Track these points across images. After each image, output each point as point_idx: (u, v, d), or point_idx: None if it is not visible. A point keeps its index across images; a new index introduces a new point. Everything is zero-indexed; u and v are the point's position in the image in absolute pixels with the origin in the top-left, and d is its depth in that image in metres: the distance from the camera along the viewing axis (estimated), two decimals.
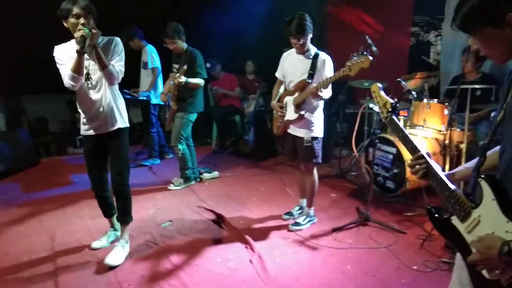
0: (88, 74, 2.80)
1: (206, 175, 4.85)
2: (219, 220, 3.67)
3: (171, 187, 4.52)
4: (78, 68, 2.64)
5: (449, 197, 1.36)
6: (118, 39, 2.86)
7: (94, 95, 2.84)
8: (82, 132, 2.97)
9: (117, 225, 3.18)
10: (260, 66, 6.60)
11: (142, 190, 4.45)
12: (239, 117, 6.50)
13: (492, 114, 3.54)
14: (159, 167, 5.37)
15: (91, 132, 2.91)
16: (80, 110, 2.93)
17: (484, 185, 1.25)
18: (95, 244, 3.15)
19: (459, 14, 1.20)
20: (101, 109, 2.85)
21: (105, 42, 2.81)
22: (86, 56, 2.71)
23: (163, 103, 4.89)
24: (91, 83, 2.80)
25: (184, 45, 4.36)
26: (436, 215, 1.45)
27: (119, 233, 3.16)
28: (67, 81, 2.68)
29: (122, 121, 2.96)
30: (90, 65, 2.77)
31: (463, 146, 3.56)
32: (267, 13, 6.27)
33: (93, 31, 2.61)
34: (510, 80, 1.31)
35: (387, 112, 1.60)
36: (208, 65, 5.90)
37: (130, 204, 3.09)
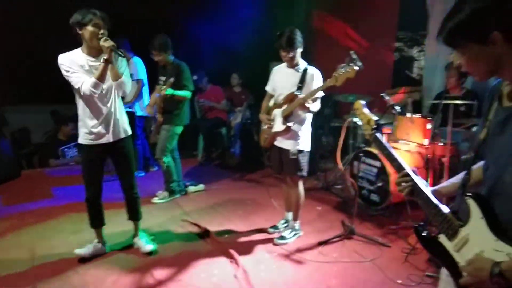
0: None
1: (191, 188, 4.81)
2: (204, 233, 3.63)
3: (156, 200, 4.47)
4: (103, 76, 2.78)
5: (436, 215, 1.35)
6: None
7: (104, 103, 2.94)
8: (86, 141, 2.98)
9: (102, 238, 3.23)
10: (246, 79, 6.64)
11: None
12: (226, 130, 6.50)
13: (474, 129, 3.62)
14: (143, 179, 5.30)
15: (98, 141, 2.96)
16: (84, 120, 2.95)
17: (471, 203, 1.24)
18: (78, 251, 3.11)
19: (445, 28, 1.19)
20: (112, 117, 2.97)
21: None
22: (96, 64, 2.83)
23: (148, 115, 4.86)
24: (102, 91, 2.88)
25: (171, 58, 4.36)
26: (424, 233, 1.43)
27: (102, 246, 3.22)
28: (88, 88, 2.76)
29: (129, 129, 3.14)
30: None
31: (445, 160, 3.61)
32: (254, 27, 6.34)
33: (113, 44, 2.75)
34: (490, 97, 1.32)
35: (371, 129, 1.59)
36: (195, 77, 5.91)
37: (140, 203, 3.32)
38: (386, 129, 3.88)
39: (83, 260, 3.08)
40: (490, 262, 1.14)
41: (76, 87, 2.80)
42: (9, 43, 5.63)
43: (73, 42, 2.84)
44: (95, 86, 2.77)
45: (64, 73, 2.80)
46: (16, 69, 5.65)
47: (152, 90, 4.71)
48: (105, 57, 2.73)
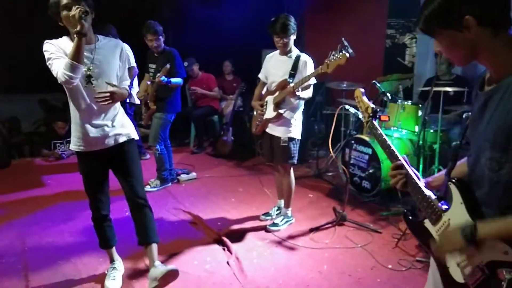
0: (89, 76, 2.35)
1: (183, 176, 4.80)
2: (196, 222, 3.64)
3: (147, 188, 4.44)
4: (78, 55, 2.17)
5: (422, 201, 1.38)
6: (127, 46, 2.46)
7: (95, 105, 2.40)
8: (79, 148, 2.48)
9: (117, 256, 2.81)
10: (238, 67, 6.59)
11: (117, 191, 4.32)
12: (218, 118, 6.47)
13: (464, 116, 3.64)
14: None
15: (93, 148, 2.47)
16: (75, 122, 2.45)
17: (453, 188, 1.27)
18: (112, 285, 2.62)
19: (421, 16, 1.21)
20: (108, 122, 2.46)
21: (110, 44, 2.45)
22: (89, 54, 2.33)
23: (139, 104, 4.80)
24: (93, 87, 2.36)
25: (163, 44, 4.32)
26: (410, 217, 1.48)
27: (119, 265, 2.80)
28: (63, 72, 2.19)
29: (132, 131, 2.61)
30: (94, 64, 2.36)
31: (436, 146, 3.64)
32: (245, 14, 6.27)
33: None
34: (477, 85, 1.34)
35: (368, 116, 1.62)
36: (185, 63, 5.85)
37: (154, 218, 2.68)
38: (384, 117, 3.91)
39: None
40: (461, 226, 1.20)
41: (54, 74, 2.26)
42: None
43: (63, 28, 2.47)
44: (71, 68, 2.17)
45: (47, 61, 2.30)
46: (3, 57, 5.56)
47: (141, 78, 4.66)
48: (76, 29, 2.14)
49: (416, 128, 3.98)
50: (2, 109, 6.25)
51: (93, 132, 2.44)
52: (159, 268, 2.57)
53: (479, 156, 1.23)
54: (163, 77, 4.06)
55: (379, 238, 3.32)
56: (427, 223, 1.38)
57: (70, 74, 2.19)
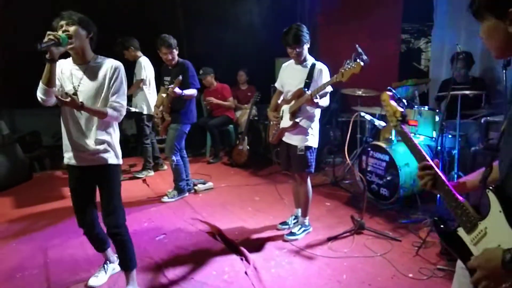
0: (75, 94, 2.38)
1: (200, 186, 4.84)
2: (214, 231, 3.65)
3: (165, 199, 4.50)
4: (47, 79, 2.24)
5: (456, 208, 1.33)
6: (119, 66, 2.45)
7: (77, 121, 2.45)
8: (65, 160, 2.56)
9: (111, 256, 2.94)
10: (252, 76, 6.64)
11: (136, 202, 4.42)
12: (233, 127, 6.51)
13: (482, 120, 3.58)
14: (153, 179, 5.35)
15: (75, 163, 2.51)
16: (63, 136, 2.53)
17: (491, 196, 1.22)
18: (93, 282, 2.80)
19: (475, 0, 1.22)
20: (87, 141, 2.45)
21: (102, 64, 2.44)
22: (79, 73, 2.41)
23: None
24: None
25: (177, 57, 4.39)
26: (442, 226, 1.42)
27: (114, 265, 2.94)
28: (38, 94, 2.30)
29: (113, 156, 2.53)
30: (81, 84, 2.41)
31: (455, 152, 3.58)
32: (259, 23, 6.33)
33: (72, 38, 2.28)
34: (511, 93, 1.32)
35: (396, 121, 1.56)
36: (201, 71, 5.92)
37: (131, 247, 2.67)
38: (413, 121, 3.87)
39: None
40: (500, 250, 1.12)
41: None
42: (16, 46, 5.70)
43: None
44: (41, 91, 2.28)
45: None
46: (24, 72, 5.72)
47: (157, 91, 4.73)
48: (47, 56, 2.21)
49: (434, 134, 3.93)
50: (23, 123, 6.43)
51: (75, 148, 2.48)
52: None
53: (510, 170, 1.20)
54: (177, 88, 4.11)
55: (398, 247, 3.27)
56: (460, 231, 1.32)
57: (41, 96, 2.31)
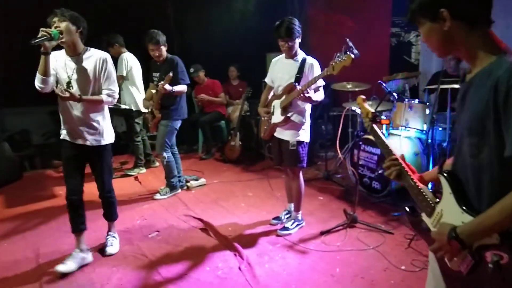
0: (69, 83, 2.75)
1: (192, 183, 4.82)
2: (207, 228, 3.64)
3: (157, 196, 4.48)
4: (43, 70, 2.61)
5: (418, 195, 1.44)
6: (107, 56, 2.85)
7: (74, 108, 2.82)
8: (62, 136, 2.92)
9: (84, 244, 3.05)
10: (243, 71, 6.61)
11: (128, 200, 4.40)
12: (225, 123, 6.49)
13: None
14: (144, 176, 5.32)
15: (74, 141, 2.88)
16: (61, 116, 2.91)
17: (442, 180, 1.33)
18: (61, 268, 2.86)
19: (410, 8, 1.30)
20: (81, 124, 2.84)
21: (93, 56, 2.80)
22: (71, 63, 2.75)
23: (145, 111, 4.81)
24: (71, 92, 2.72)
25: (165, 53, 4.34)
26: (411, 214, 1.55)
27: (85, 254, 3.03)
28: (36, 83, 2.66)
29: (104, 138, 2.95)
30: (74, 73, 2.77)
31: (445, 144, 3.61)
32: (249, 18, 6.30)
33: (62, 34, 2.60)
34: (461, 77, 1.41)
35: (368, 120, 1.73)
36: (191, 69, 5.89)
37: (116, 205, 3.24)
38: (385, 121, 3.94)
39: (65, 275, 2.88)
40: (449, 226, 1.24)
41: None
42: (5, 44, 5.63)
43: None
44: (39, 80, 2.64)
45: None
46: (12, 70, 5.64)
47: (146, 87, 4.68)
48: (41, 49, 2.57)
49: (425, 127, 3.95)
50: (12, 122, 6.36)
51: (72, 131, 2.87)
52: (107, 242, 3.23)
53: (461, 144, 1.29)
54: (167, 85, 4.07)
55: (391, 239, 3.29)
56: (424, 216, 1.43)
57: (39, 85, 2.67)
